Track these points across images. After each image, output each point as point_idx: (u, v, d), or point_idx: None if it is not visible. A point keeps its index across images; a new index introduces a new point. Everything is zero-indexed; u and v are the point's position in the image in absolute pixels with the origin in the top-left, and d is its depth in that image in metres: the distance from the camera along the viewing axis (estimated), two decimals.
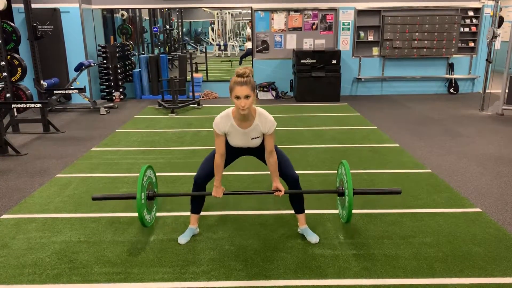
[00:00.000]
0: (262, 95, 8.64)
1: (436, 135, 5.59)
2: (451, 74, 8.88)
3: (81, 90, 6.57)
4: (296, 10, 8.52)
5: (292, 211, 3.03)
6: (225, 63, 13.81)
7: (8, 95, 5.71)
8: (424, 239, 2.85)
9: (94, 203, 3.48)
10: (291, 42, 8.67)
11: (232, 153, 2.84)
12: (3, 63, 5.58)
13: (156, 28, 8.45)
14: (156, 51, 12.60)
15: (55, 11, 7.66)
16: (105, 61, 7.92)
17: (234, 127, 2.60)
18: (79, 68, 7.07)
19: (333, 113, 7.15)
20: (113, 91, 8.21)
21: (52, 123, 5.97)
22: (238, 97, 2.41)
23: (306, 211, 3.14)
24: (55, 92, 6.14)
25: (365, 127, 6.09)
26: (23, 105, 5.02)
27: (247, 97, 2.40)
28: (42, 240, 2.88)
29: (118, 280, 2.42)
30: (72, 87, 6.78)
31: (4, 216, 3.27)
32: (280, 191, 2.71)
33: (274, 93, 8.64)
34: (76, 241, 2.87)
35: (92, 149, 5.13)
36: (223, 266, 2.55)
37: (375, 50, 8.78)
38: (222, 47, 19.94)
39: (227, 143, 2.73)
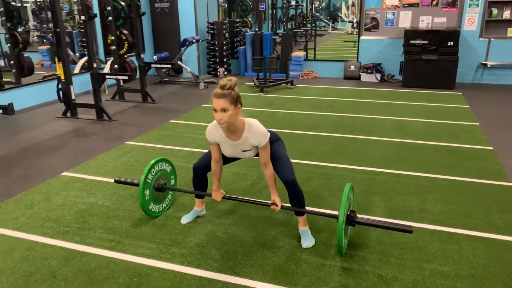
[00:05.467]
0: (365, 77, 8.04)
1: None
2: None
3: (173, 65, 7.04)
4: None
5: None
6: (348, 43, 12.92)
7: (115, 66, 6.47)
8: (442, 267, 2.36)
9: (137, 172, 3.77)
10: (405, 20, 7.77)
11: (231, 157, 2.74)
12: (112, 37, 6.32)
13: (263, 5, 8.45)
14: (281, 28, 12.69)
15: None
16: (209, 37, 8.30)
17: (224, 138, 2.51)
18: (183, 44, 7.57)
19: (437, 103, 6.27)
20: (218, 67, 8.60)
21: (149, 94, 6.58)
22: (215, 110, 2.30)
23: (318, 210, 2.90)
24: (152, 66, 6.73)
25: (464, 122, 5.21)
26: (114, 76, 5.63)
27: (224, 110, 2.26)
28: (76, 199, 3.26)
29: (107, 248, 2.60)
30: (172, 62, 7.32)
31: (64, 173, 3.78)
32: (277, 205, 2.54)
33: (378, 75, 7.95)
34: (100, 204, 3.18)
35: (171, 121, 5.51)
36: (202, 253, 2.53)
37: (511, 31, 7.30)
38: (355, 25, 18.99)
39: None
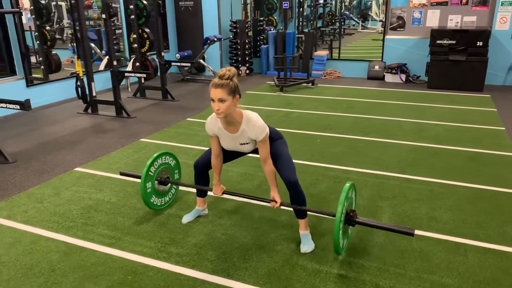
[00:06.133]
0: (389, 78, 7.83)
1: None
2: None
3: (193, 64, 7.09)
4: None
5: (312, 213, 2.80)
6: (376, 41, 12.54)
7: (137, 64, 6.57)
8: (444, 279, 2.25)
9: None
10: (433, 19, 7.51)
11: (232, 153, 2.71)
12: (134, 36, 6.42)
13: (286, 3, 8.38)
14: (309, 27, 12.53)
15: None
16: (231, 36, 8.30)
17: (222, 130, 2.49)
18: (205, 42, 7.61)
19: (462, 105, 6.02)
20: (240, 65, 8.59)
21: (169, 92, 6.65)
22: (212, 100, 2.28)
23: (322, 215, 2.84)
24: (172, 64, 6.78)
25: (489, 127, 4.97)
26: (132, 74, 5.71)
27: (221, 100, 2.25)
28: (84, 195, 3.32)
29: (106, 244, 2.63)
30: (192, 61, 7.35)
31: (77, 168, 3.87)
32: (276, 202, 2.50)
33: (403, 76, 7.72)
34: (106, 201, 3.22)
35: (187, 119, 5.55)
36: (198, 253, 2.52)
37: None
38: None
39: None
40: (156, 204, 2.96)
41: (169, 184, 3.06)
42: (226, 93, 2.25)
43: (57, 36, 8.53)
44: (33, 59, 7.00)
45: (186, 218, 2.90)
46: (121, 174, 3.12)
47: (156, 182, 2.92)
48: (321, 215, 2.80)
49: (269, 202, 2.56)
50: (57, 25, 8.29)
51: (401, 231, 2.28)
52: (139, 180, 3.41)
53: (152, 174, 2.87)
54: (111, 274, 2.34)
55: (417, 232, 2.71)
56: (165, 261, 2.45)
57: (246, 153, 2.74)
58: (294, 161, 2.61)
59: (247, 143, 2.49)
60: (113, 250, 2.56)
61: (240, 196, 2.80)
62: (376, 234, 2.69)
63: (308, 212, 2.86)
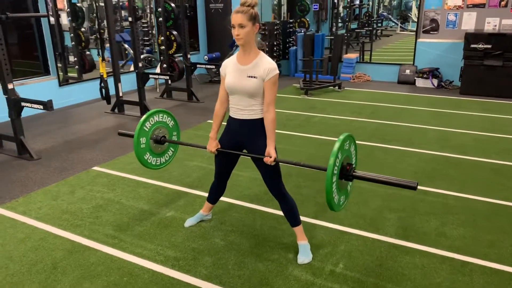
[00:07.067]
0: (420, 83, 7.56)
1: None
2: None
3: (217, 66, 7.14)
4: None
5: (314, 220, 2.79)
6: (409, 38, 12.04)
7: (164, 66, 6.70)
8: None
9: (160, 169, 3.86)
10: (469, 21, 7.18)
11: (229, 154, 2.64)
12: (162, 38, 6.56)
13: (316, 5, 8.27)
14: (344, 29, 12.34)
15: None
16: (259, 38, 8.29)
17: (234, 64, 2.45)
18: (232, 44, 7.65)
19: (495, 113, 5.72)
20: None
21: (194, 93, 6.74)
22: (233, 26, 2.30)
23: (326, 224, 2.81)
24: (198, 66, 6.86)
25: None
26: (156, 76, 5.83)
27: (241, 26, 2.26)
28: (96, 194, 3.43)
29: (109, 244, 2.70)
30: (217, 63, 7.42)
31: (94, 167, 4.00)
32: (271, 157, 2.36)
33: (435, 81, 7.43)
34: (116, 200, 3.31)
35: (208, 121, 5.60)
36: (195, 258, 2.54)
37: None
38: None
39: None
40: (150, 162, 2.84)
41: (166, 144, 2.92)
42: (246, 19, 2.26)
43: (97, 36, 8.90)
44: (71, 59, 7.34)
45: (189, 222, 2.93)
46: (119, 134, 3.06)
47: (151, 141, 2.79)
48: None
49: (263, 158, 2.39)
50: (98, 25, 8.61)
51: (402, 184, 2.09)
52: (148, 181, 3.50)
53: (146, 129, 2.75)
54: (108, 274, 2.40)
55: (422, 248, 2.61)
56: (162, 265, 2.48)
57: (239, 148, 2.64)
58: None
59: (254, 77, 2.36)
60: (114, 251, 2.63)
61: (233, 153, 2.57)
62: (377, 249, 2.61)
63: (305, 220, 2.83)
